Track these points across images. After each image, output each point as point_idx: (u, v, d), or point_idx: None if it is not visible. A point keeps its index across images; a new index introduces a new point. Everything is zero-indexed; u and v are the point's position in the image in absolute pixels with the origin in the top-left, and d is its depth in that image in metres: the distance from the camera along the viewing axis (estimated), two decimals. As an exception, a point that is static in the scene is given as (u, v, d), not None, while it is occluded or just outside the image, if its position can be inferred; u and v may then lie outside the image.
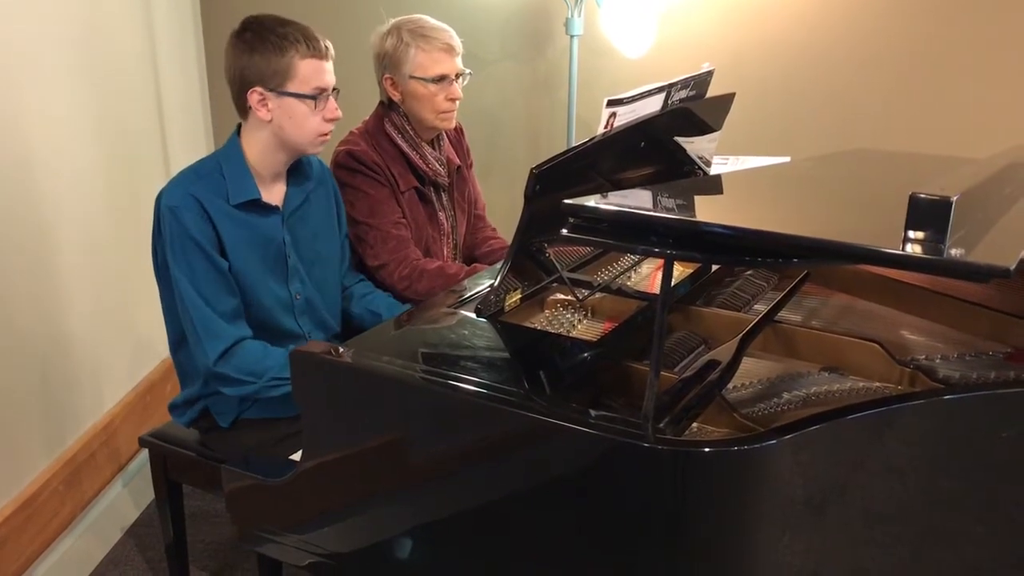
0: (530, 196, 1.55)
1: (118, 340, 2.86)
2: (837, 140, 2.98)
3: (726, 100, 2.22)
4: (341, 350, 1.48)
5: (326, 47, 1.96)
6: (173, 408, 2.14)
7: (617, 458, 1.25)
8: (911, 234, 1.00)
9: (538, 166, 1.55)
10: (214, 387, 1.97)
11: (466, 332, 1.59)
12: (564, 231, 1.18)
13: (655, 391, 1.23)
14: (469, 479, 1.38)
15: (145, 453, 2.20)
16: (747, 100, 3.16)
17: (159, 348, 3.18)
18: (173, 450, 2.15)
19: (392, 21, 2.33)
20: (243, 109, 1.98)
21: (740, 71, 3.05)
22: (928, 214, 0.99)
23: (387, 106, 2.36)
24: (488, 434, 1.34)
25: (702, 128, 2.14)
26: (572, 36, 3.04)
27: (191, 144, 3.35)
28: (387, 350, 1.46)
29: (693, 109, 2.01)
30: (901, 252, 0.99)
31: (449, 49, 2.28)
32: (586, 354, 1.52)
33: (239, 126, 2.03)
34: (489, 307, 1.64)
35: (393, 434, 1.42)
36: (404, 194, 2.33)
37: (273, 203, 2.01)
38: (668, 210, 1.26)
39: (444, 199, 2.44)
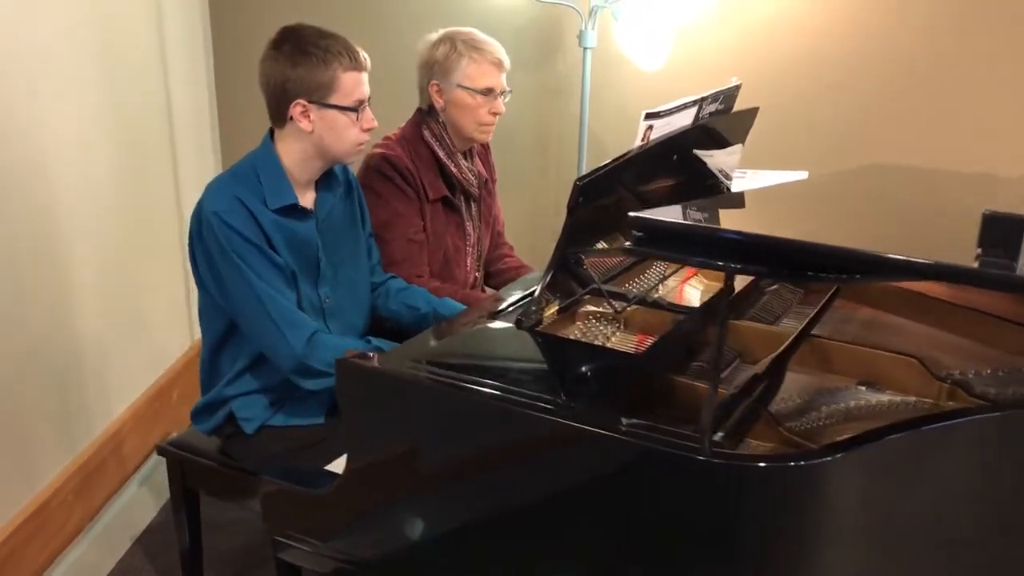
0: (573, 207, 1.56)
1: (128, 347, 2.84)
2: (853, 154, 2.99)
3: (750, 115, 2.24)
4: (385, 359, 1.48)
5: (365, 59, 1.98)
6: (195, 415, 2.13)
7: (672, 472, 1.25)
8: (985, 251, 1.01)
9: (581, 178, 1.56)
10: (296, 383, 1.95)
11: (512, 344, 1.58)
12: (628, 244, 1.18)
13: (713, 405, 1.23)
14: (514, 489, 1.38)
15: (153, 460, 2.18)
16: (762, 114, 3.20)
17: (167, 354, 3.16)
18: (193, 459, 2.13)
19: (444, 31, 2.34)
20: (281, 118, 1.98)
21: (755, 85, 3.06)
22: (1002, 231, 0.99)
23: (426, 113, 2.37)
24: (535, 445, 1.34)
25: (726, 142, 2.15)
26: (585, 48, 3.04)
27: (199, 152, 3.33)
28: (435, 360, 1.46)
29: (720, 123, 2.02)
30: (983, 270, 0.99)
31: (499, 64, 2.31)
32: (631, 366, 1.51)
33: (271, 131, 2.03)
34: (530, 318, 1.64)
35: (439, 446, 1.41)
36: (431, 204, 2.33)
37: (308, 208, 2.02)
38: (733, 226, 1.27)
39: (473, 210, 2.44)
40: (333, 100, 1.94)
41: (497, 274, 2.58)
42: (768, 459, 1.23)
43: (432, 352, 1.54)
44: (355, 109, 1.96)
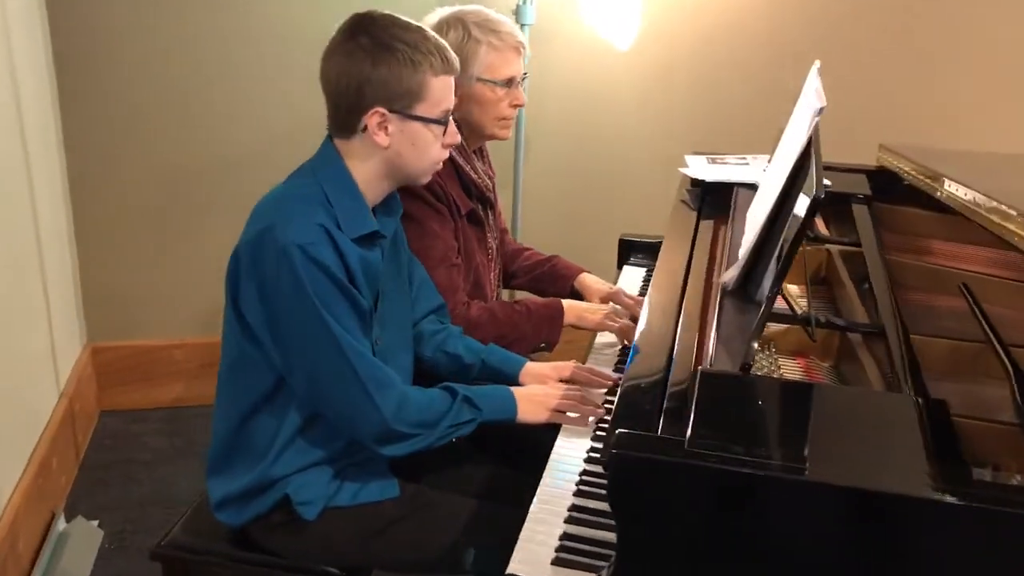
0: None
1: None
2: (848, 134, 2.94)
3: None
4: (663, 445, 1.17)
5: (455, 60, 1.61)
6: (223, 505, 1.65)
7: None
8: None
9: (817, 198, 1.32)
10: (372, 449, 1.60)
11: (778, 400, 1.32)
12: None
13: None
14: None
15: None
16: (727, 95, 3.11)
17: (39, 414, 2.51)
18: (222, 562, 1.66)
19: (448, 11, 1.95)
20: (350, 128, 1.58)
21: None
22: None
23: None
24: (897, 528, 1.10)
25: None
26: (523, 25, 2.75)
27: (47, 170, 2.65)
28: (723, 439, 1.16)
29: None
30: None
31: (520, 47, 1.96)
32: (934, 413, 1.29)
33: (330, 140, 1.62)
34: (751, 360, 1.38)
35: (765, 541, 1.13)
36: (462, 219, 1.97)
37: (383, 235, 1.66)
38: None
39: (491, 218, 2.10)
40: (419, 110, 1.57)
41: (525, 271, 2.27)
42: None
43: (710, 429, 1.22)
44: (442, 122, 1.60)
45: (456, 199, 1.96)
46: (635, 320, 2.09)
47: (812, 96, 1.71)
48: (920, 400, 1.29)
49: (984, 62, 3.18)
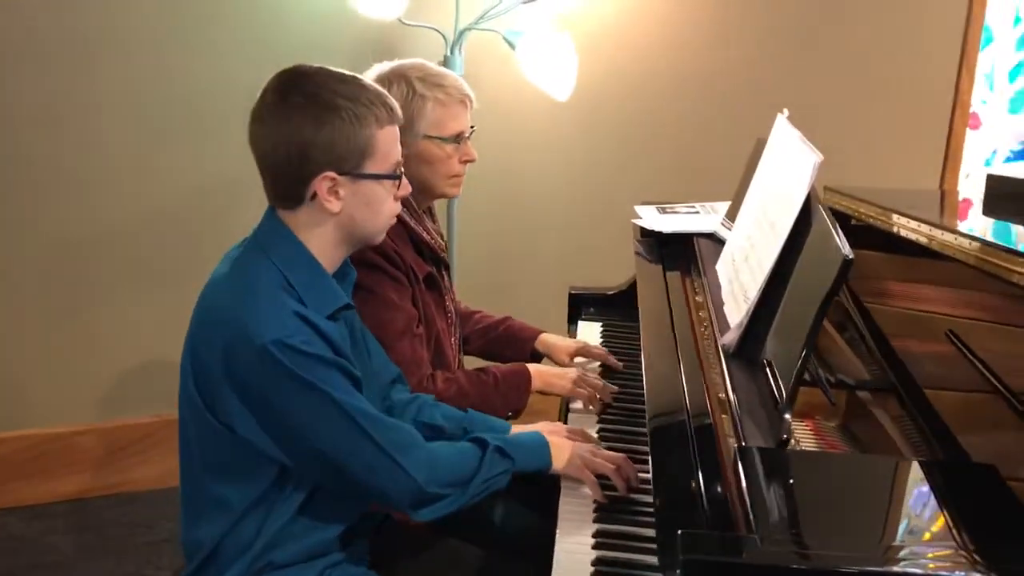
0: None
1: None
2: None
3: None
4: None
5: (396, 106, 1.48)
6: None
7: None
8: None
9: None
10: (413, 516, 1.47)
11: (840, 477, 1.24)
12: None
13: None
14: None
15: None
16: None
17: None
18: None
19: (387, 66, 1.82)
20: (296, 197, 1.43)
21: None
22: None
23: None
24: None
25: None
26: (451, 76, 2.64)
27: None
28: (799, 527, 1.07)
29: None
30: None
31: (467, 100, 1.84)
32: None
33: (276, 215, 1.46)
34: (790, 433, 1.29)
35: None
36: (419, 284, 1.84)
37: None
38: None
39: (446, 280, 1.96)
40: (370, 168, 1.44)
41: (479, 335, 2.13)
42: None
43: (772, 518, 1.13)
44: (395, 176, 1.47)
45: (412, 264, 1.83)
46: (611, 367, 2.04)
47: (795, 147, 1.66)
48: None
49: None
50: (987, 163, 3.64)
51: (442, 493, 1.45)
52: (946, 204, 2.31)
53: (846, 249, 1.27)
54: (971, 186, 3.62)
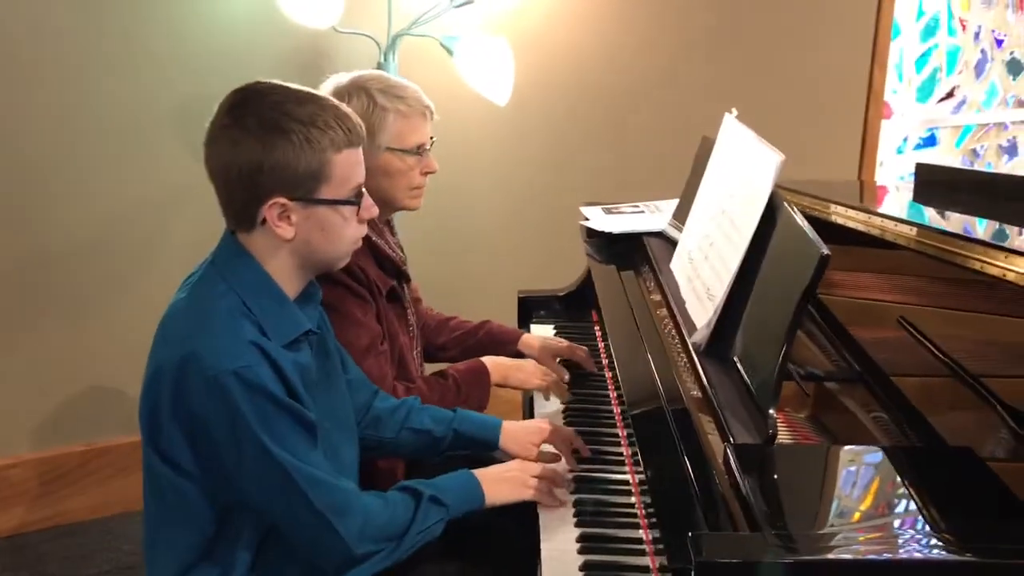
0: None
1: None
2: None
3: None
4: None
5: (359, 127, 1.43)
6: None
7: None
8: None
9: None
10: (350, 572, 1.43)
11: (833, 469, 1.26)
12: None
13: None
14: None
15: None
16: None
17: None
18: None
19: (345, 78, 1.79)
20: (248, 221, 1.39)
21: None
22: None
23: None
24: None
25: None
26: (384, 82, 2.62)
27: None
28: (798, 526, 1.09)
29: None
30: None
31: (427, 112, 1.83)
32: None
33: (234, 238, 1.42)
34: (775, 428, 1.32)
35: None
36: (382, 299, 1.81)
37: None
38: None
39: (406, 292, 1.95)
40: (324, 193, 1.39)
41: (456, 343, 2.12)
42: None
43: (775, 514, 1.15)
44: (354, 201, 1.43)
45: (376, 279, 1.81)
46: (580, 363, 2.04)
47: (752, 146, 1.69)
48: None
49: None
50: (899, 151, 3.78)
51: (375, 550, 1.43)
52: (870, 193, 2.39)
53: (822, 246, 1.30)
54: (885, 173, 3.77)
